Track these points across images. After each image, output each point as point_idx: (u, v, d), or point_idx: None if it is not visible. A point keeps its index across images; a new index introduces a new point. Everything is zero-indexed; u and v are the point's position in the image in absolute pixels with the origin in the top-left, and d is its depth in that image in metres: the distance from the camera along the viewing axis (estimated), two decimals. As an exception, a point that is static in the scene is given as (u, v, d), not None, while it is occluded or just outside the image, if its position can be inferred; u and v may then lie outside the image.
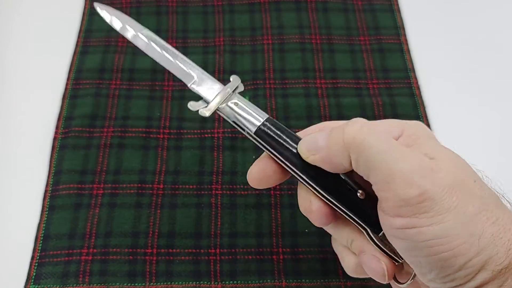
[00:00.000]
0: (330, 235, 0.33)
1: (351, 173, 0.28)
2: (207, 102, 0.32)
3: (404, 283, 0.29)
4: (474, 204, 0.24)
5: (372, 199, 0.28)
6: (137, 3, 0.53)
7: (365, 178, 0.26)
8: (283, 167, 0.30)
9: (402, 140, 0.27)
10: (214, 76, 0.35)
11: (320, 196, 0.29)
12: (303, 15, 0.52)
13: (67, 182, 0.42)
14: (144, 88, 0.47)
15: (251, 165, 0.31)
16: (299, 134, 0.31)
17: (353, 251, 0.30)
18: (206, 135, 0.45)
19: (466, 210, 0.24)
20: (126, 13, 0.52)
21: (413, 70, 0.49)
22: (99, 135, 0.44)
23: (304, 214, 0.30)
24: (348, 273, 0.31)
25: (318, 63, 0.49)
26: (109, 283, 0.38)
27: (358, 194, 0.28)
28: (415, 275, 0.28)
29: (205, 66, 0.48)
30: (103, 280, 0.38)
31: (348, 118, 0.45)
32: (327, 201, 0.29)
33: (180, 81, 0.48)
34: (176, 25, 0.52)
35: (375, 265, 0.28)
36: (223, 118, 0.32)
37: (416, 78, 0.49)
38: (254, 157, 0.43)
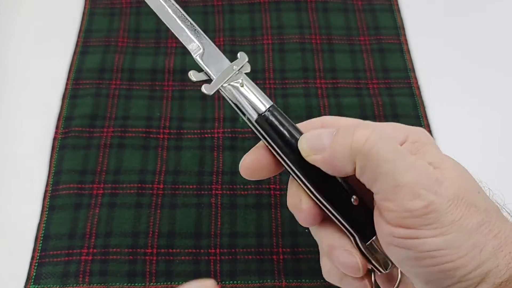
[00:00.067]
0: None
1: (347, 177, 0.28)
2: (210, 78, 0.30)
3: None
4: (478, 216, 0.24)
5: (365, 206, 0.28)
6: (137, 3, 0.53)
7: (367, 186, 0.26)
8: (278, 160, 0.29)
9: (406, 147, 0.27)
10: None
11: (312, 196, 0.28)
12: (303, 15, 0.52)
13: (67, 182, 0.42)
14: (144, 88, 0.47)
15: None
16: (298, 125, 0.30)
17: (326, 252, 0.30)
18: (206, 135, 0.45)
19: (469, 222, 0.24)
20: (126, 13, 0.52)
21: (413, 70, 0.49)
22: (99, 135, 0.44)
23: (291, 211, 0.30)
24: (324, 277, 0.31)
25: (318, 63, 0.49)
26: (109, 283, 0.38)
27: (352, 199, 0.28)
28: (400, 281, 0.28)
29: (205, 66, 0.48)
30: (103, 280, 0.38)
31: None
32: (318, 202, 0.28)
33: (180, 81, 0.49)
34: (176, 25, 0.52)
35: (348, 259, 0.28)
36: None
37: (416, 78, 0.49)
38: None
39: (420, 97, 0.47)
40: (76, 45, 0.50)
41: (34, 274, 0.38)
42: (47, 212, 0.41)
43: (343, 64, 0.49)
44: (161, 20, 0.54)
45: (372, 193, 0.26)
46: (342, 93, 0.47)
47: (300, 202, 0.29)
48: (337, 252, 0.28)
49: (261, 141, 0.29)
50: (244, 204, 0.41)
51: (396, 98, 0.47)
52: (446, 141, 0.45)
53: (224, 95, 0.30)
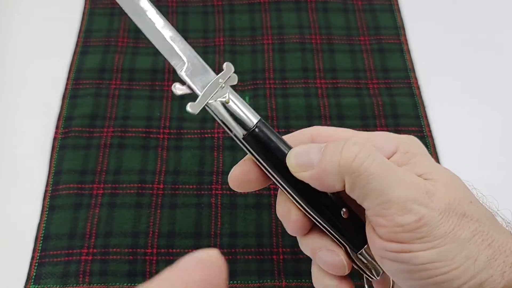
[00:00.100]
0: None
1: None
2: (195, 93, 0.28)
3: None
4: (470, 226, 0.24)
5: (355, 217, 0.28)
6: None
7: (358, 202, 0.26)
8: (266, 173, 0.29)
9: (397, 157, 0.27)
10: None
11: (301, 208, 0.28)
12: (303, 15, 0.52)
13: (67, 182, 0.42)
14: (144, 88, 0.48)
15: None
16: (285, 137, 0.29)
17: (311, 255, 0.30)
18: (206, 135, 0.45)
19: (462, 233, 0.24)
20: (126, 13, 0.52)
21: (413, 70, 0.49)
22: (99, 135, 0.44)
23: (280, 219, 0.30)
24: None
25: (318, 63, 0.49)
26: (109, 283, 0.38)
27: (342, 212, 0.28)
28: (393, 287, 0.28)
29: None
30: (103, 280, 0.38)
31: (348, 118, 0.46)
32: (307, 214, 0.28)
33: (180, 80, 0.49)
34: (176, 25, 0.52)
35: (332, 258, 0.28)
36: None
37: (416, 78, 0.49)
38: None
39: (420, 97, 0.47)
40: (76, 45, 0.50)
41: (34, 274, 0.38)
42: (47, 212, 0.41)
43: (343, 64, 0.49)
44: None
45: (358, 208, 0.26)
46: (342, 93, 0.47)
47: (289, 212, 0.29)
48: (320, 252, 0.28)
49: (249, 154, 0.29)
50: (244, 204, 0.41)
51: (396, 98, 0.47)
52: (446, 141, 0.45)
53: (210, 111, 0.28)
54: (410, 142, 0.28)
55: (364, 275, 0.29)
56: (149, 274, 0.38)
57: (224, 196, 0.42)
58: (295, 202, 0.28)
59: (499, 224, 0.25)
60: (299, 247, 0.39)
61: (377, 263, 0.28)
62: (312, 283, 0.38)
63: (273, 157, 0.28)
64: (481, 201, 0.26)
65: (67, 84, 0.48)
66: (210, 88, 0.28)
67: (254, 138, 0.28)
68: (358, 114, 0.46)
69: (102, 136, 0.44)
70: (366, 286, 0.30)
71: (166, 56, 0.29)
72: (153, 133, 0.45)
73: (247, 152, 0.28)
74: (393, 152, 0.27)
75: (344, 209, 0.28)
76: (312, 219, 0.28)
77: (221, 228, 0.40)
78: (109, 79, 0.48)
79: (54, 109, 0.46)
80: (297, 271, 0.39)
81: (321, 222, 0.28)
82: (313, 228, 0.29)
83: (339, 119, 0.46)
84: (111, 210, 0.41)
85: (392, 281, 0.29)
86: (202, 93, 0.28)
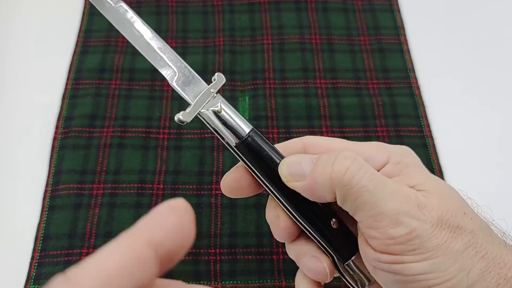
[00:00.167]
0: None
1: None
2: (188, 103, 0.29)
3: None
4: (463, 239, 0.24)
5: (344, 228, 0.28)
6: (137, 3, 0.53)
7: (350, 213, 0.26)
8: (258, 181, 0.29)
9: (388, 168, 0.27)
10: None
11: (291, 216, 0.28)
12: (303, 15, 0.52)
13: (67, 182, 0.42)
14: (144, 88, 0.47)
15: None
16: (278, 146, 0.29)
17: (295, 260, 0.30)
18: (206, 135, 0.45)
19: (455, 245, 0.24)
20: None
21: (413, 70, 0.49)
22: (99, 135, 0.44)
23: (269, 224, 0.30)
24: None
25: (318, 63, 0.49)
26: (109, 283, 0.38)
27: (332, 222, 0.28)
28: None
29: (204, 66, 0.48)
30: (103, 280, 0.38)
31: (348, 118, 0.46)
32: (297, 222, 0.28)
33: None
34: (176, 25, 0.52)
35: (316, 265, 0.28)
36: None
37: (416, 78, 0.49)
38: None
39: (420, 97, 0.47)
40: (76, 45, 0.50)
41: (34, 274, 0.38)
42: (47, 212, 0.41)
43: (343, 64, 0.49)
44: (161, 20, 0.54)
45: (350, 217, 0.26)
46: (342, 93, 0.47)
47: (277, 219, 0.29)
48: (304, 258, 0.29)
49: (241, 161, 0.29)
50: (244, 204, 0.41)
51: (396, 98, 0.47)
52: (446, 141, 0.45)
53: (203, 120, 0.29)
54: (403, 152, 0.28)
55: (350, 286, 0.29)
56: (149, 274, 0.38)
57: (224, 196, 0.42)
58: (285, 210, 0.28)
59: (494, 235, 0.25)
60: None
61: (363, 275, 0.28)
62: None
63: (265, 166, 0.28)
64: (476, 211, 0.26)
65: (67, 84, 0.48)
66: (202, 98, 0.28)
67: (246, 146, 0.28)
68: (358, 114, 0.46)
69: (102, 136, 0.44)
70: None
71: (156, 67, 0.29)
72: (153, 133, 0.45)
73: (239, 160, 0.29)
74: (385, 162, 0.27)
75: (334, 219, 0.28)
76: (302, 227, 0.28)
77: (221, 228, 0.40)
78: (109, 79, 0.48)
79: (54, 109, 0.46)
80: (297, 271, 0.39)
81: (310, 231, 0.28)
82: (301, 235, 0.30)
83: (339, 119, 0.46)
84: (111, 210, 0.41)
85: None
86: (194, 102, 0.28)
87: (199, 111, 0.28)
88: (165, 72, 0.29)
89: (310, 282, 0.30)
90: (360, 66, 0.49)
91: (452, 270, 0.23)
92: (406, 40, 0.51)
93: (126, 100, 0.47)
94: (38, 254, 0.39)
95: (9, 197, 0.42)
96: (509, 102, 0.48)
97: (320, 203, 0.28)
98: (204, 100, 0.28)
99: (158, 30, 0.51)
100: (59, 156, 0.43)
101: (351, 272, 0.28)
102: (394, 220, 0.24)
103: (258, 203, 0.41)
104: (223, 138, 0.28)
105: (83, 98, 0.46)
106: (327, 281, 0.29)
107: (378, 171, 0.26)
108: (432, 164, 0.44)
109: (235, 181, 0.29)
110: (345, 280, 0.29)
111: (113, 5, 0.30)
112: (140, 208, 0.41)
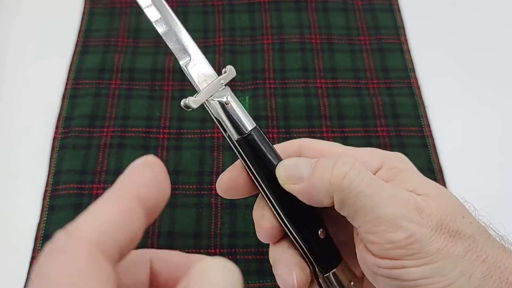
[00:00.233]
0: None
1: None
2: (196, 90, 0.28)
3: None
4: (463, 242, 0.24)
5: (330, 240, 0.28)
6: (137, 3, 0.53)
7: (348, 219, 0.26)
8: (254, 182, 0.29)
9: (382, 173, 0.27)
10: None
11: (279, 219, 0.28)
12: (303, 15, 0.52)
13: (67, 182, 0.42)
14: (144, 88, 0.47)
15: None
16: (276, 146, 0.29)
17: (272, 263, 0.30)
18: (206, 135, 0.45)
19: (455, 250, 0.23)
20: (126, 13, 0.52)
21: (413, 70, 0.49)
22: (99, 135, 0.44)
23: (254, 223, 0.29)
24: None
25: (318, 63, 0.49)
26: (109, 283, 0.38)
27: (319, 232, 0.28)
28: None
29: (205, 66, 0.48)
30: (103, 280, 0.38)
31: (348, 117, 0.46)
32: (283, 226, 0.28)
33: (180, 80, 0.49)
34: (176, 25, 0.52)
35: (285, 276, 0.28)
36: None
37: (416, 78, 0.49)
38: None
39: (420, 97, 0.47)
40: (76, 45, 0.50)
41: (34, 274, 0.38)
42: (47, 212, 0.41)
43: (343, 64, 0.49)
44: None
45: (344, 224, 0.26)
46: (342, 93, 0.47)
47: (262, 218, 0.28)
48: (277, 267, 0.28)
49: (238, 160, 0.29)
50: (244, 204, 0.41)
51: (396, 98, 0.47)
52: (446, 141, 0.45)
53: (208, 110, 0.28)
54: (397, 158, 0.28)
55: None
56: (149, 274, 0.38)
57: (224, 196, 0.42)
58: (274, 212, 0.28)
59: (493, 239, 0.25)
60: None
61: None
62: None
63: (263, 165, 0.28)
64: (474, 215, 0.26)
65: (67, 84, 0.48)
66: (211, 87, 0.28)
67: (247, 142, 0.28)
68: (358, 114, 0.46)
69: (102, 136, 0.44)
70: None
71: (172, 49, 0.30)
72: (153, 133, 0.45)
73: (238, 155, 0.28)
74: (378, 168, 0.27)
75: (321, 229, 0.28)
76: (288, 231, 0.28)
77: (221, 228, 0.40)
78: (109, 79, 0.48)
79: (54, 109, 0.46)
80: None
81: (296, 236, 0.28)
82: (284, 238, 0.29)
83: (339, 119, 0.46)
84: (111, 210, 0.41)
85: None
86: (203, 90, 0.28)
87: (207, 100, 0.28)
88: (179, 56, 0.29)
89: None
90: (360, 66, 0.49)
91: (453, 274, 0.23)
92: (406, 40, 0.51)
93: (126, 100, 0.47)
94: (38, 254, 0.39)
95: (9, 197, 0.42)
96: (509, 102, 0.48)
97: (311, 211, 0.28)
98: (213, 90, 0.28)
99: (158, 30, 0.51)
100: (59, 156, 0.43)
101: (329, 285, 0.28)
102: (392, 224, 0.24)
103: (258, 203, 0.41)
104: (225, 131, 0.28)
105: (83, 98, 0.46)
106: None
107: None
108: (432, 164, 0.44)
109: (232, 180, 0.29)
110: None
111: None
112: (140, 208, 0.41)
